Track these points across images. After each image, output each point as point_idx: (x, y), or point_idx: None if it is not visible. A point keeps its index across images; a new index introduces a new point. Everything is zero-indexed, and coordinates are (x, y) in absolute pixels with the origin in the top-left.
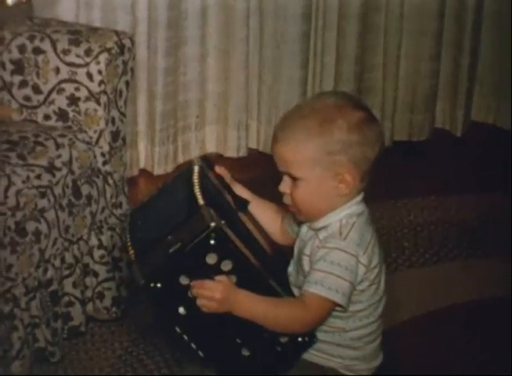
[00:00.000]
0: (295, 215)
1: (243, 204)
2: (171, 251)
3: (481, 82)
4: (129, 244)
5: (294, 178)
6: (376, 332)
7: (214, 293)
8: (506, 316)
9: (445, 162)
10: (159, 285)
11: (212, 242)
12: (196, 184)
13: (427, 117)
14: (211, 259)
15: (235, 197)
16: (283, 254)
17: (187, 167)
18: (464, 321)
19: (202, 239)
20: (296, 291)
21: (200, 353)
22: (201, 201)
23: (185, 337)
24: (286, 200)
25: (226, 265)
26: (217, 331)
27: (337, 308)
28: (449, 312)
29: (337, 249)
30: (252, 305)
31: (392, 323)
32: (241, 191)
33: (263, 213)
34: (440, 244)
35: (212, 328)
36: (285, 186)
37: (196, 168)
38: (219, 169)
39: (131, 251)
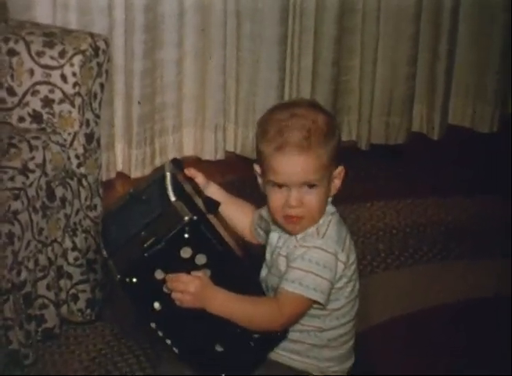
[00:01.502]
0: (291, 227)
1: (213, 205)
2: (145, 245)
3: (458, 86)
4: (102, 245)
5: (310, 187)
6: (351, 332)
7: (189, 287)
8: (481, 317)
9: (421, 165)
10: (134, 280)
11: (186, 236)
12: (168, 188)
13: (404, 121)
14: (186, 253)
15: (205, 198)
16: (253, 257)
17: (158, 172)
18: (439, 323)
19: (176, 233)
20: (270, 292)
21: (175, 350)
22: (173, 198)
23: (160, 333)
24: (295, 212)
25: (200, 259)
26: (191, 327)
27: (316, 306)
28: (424, 314)
29: (315, 248)
30: (227, 302)
31: (367, 326)
32: (215, 190)
33: (234, 213)
34: (415, 247)
35: (187, 324)
36: (297, 199)
37: (168, 175)
38: (189, 171)
39: (105, 251)
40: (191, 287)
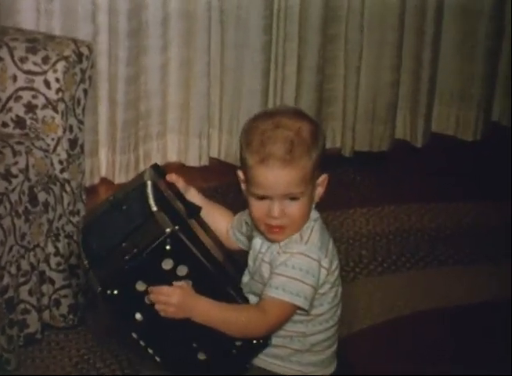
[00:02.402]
0: (274, 236)
1: (194, 210)
2: (126, 257)
3: (441, 94)
4: (83, 254)
5: (293, 199)
6: (334, 336)
7: (171, 298)
8: (464, 324)
9: (405, 173)
10: (115, 292)
11: (168, 247)
12: (150, 196)
13: (388, 128)
14: (167, 265)
15: (187, 203)
16: (236, 262)
17: (138, 179)
18: (421, 329)
19: (157, 245)
20: (252, 298)
21: (157, 358)
22: (154, 208)
23: (142, 342)
24: (281, 222)
25: (182, 270)
26: (173, 336)
27: (300, 311)
28: (407, 320)
29: (299, 254)
30: (210, 311)
31: (350, 332)
32: (193, 196)
33: (211, 218)
34: (398, 253)
35: (169, 333)
36: (280, 210)
37: (149, 184)
38: (170, 177)
39: (86, 262)
40: (173, 299)
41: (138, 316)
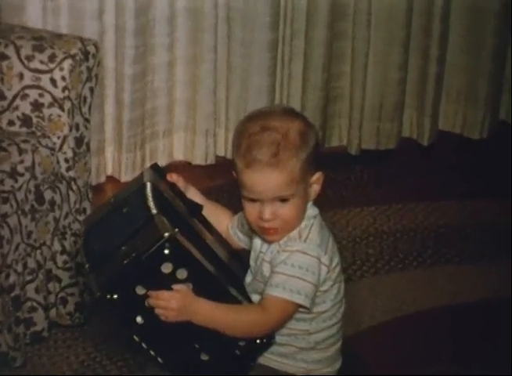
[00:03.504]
0: (273, 236)
1: (196, 209)
2: (125, 262)
3: (448, 91)
4: (84, 258)
5: (284, 200)
6: (338, 333)
7: (171, 303)
8: (471, 322)
9: (411, 171)
10: (115, 296)
11: (166, 252)
12: (149, 197)
13: (395, 126)
14: (166, 268)
15: (188, 202)
16: (242, 260)
17: (138, 180)
18: (429, 328)
19: (156, 249)
20: (256, 298)
21: (159, 360)
22: (154, 210)
23: (144, 345)
24: (274, 224)
25: (181, 274)
26: (176, 338)
27: (302, 310)
28: (414, 319)
29: (298, 252)
30: (211, 313)
31: (357, 330)
32: (193, 195)
33: (211, 217)
34: (405, 252)
35: (171, 335)
36: (272, 213)
37: (148, 185)
38: (171, 176)
39: (87, 265)
40: (173, 303)
41: (138, 319)
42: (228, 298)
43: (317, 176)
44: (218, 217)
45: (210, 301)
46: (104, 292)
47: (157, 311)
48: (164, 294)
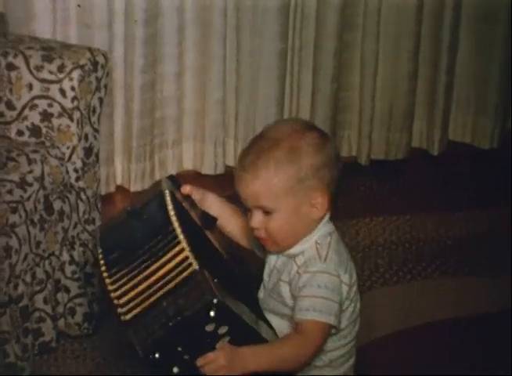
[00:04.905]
0: (267, 247)
1: (210, 221)
2: (170, 324)
3: (458, 101)
4: (104, 270)
5: (267, 212)
6: (351, 351)
7: (219, 361)
8: (480, 333)
9: (421, 181)
10: (157, 355)
11: (212, 314)
12: (173, 218)
13: (404, 136)
14: (210, 327)
15: (202, 215)
16: (250, 274)
17: (156, 188)
18: (438, 339)
19: (203, 313)
20: (271, 317)
21: None
22: (196, 266)
23: None
24: (261, 234)
25: (222, 330)
26: None
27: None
28: (423, 329)
29: (320, 272)
30: (258, 357)
31: (366, 341)
32: (212, 202)
33: (231, 223)
34: (414, 262)
35: None
36: (257, 222)
37: (167, 194)
38: (185, 189)
39: (106, 274)
40: (221, 361)
41: (175, 369)
42: (260, 341)
43: (318, 200)
44: (240, 220)
45: (253, 347)
46: (147, 352)
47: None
48: (209, 356)
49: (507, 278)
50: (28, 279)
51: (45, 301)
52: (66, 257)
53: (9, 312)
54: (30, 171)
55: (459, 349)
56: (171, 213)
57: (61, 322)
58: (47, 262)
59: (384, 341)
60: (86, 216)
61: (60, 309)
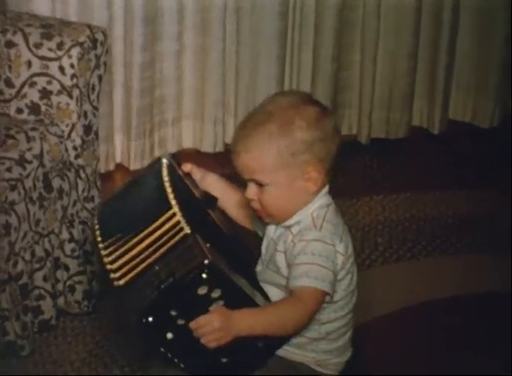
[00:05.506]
0: (263, 218)
1: (211, 201)
2: (162, 287)
3: (458, 81)
4: (99, 238)
5: (261, 185)
6: (349, 324)
7: (213, 324)
8: (480, 312)
9: (421, 160)
10: (150, 319)
11: (204, 276)
12: (167, 184)
13: (405, 115)
14: (202, 290)
15: (203, 195)
16: (250, 251)
17: (156, 162)
18: (437, 317)
19: (195, 275)
20: (267, 288)
21: (181, 365)
22: (187, 230)
23: (170, 354)
24: (255, 205)
25: (216, 293)
26: (200, 348)
27: None
28: (423, 308)
29: (314, 240)
30: (253, 320)
31: (366, 319)
32: (213, 181)
33: (231, 205)
34: (414, 241)
35: (196, 346)
36: (252, 193)
37: (164, 163)
38: (186, 167)
39: (101, 245)
40: (215, 324)
41: (169, 335)
42: (254, 306)
43: (312, 174)
44: (238, 203)
45: (246, 310)
46: (140, 316)
47: (204, 339)
48: (203, 319)
49: (508, 257)
50: (28, 257)
51: (45, 279)
52: (65, 235)
53: (9, 290)
54: (30, 149)
55: (459, 328)
56: (165, 179)
57: (61, 300)
58: (46, 239)
59: (384, 319)
60: (85, 194)
61: (60, 287)
